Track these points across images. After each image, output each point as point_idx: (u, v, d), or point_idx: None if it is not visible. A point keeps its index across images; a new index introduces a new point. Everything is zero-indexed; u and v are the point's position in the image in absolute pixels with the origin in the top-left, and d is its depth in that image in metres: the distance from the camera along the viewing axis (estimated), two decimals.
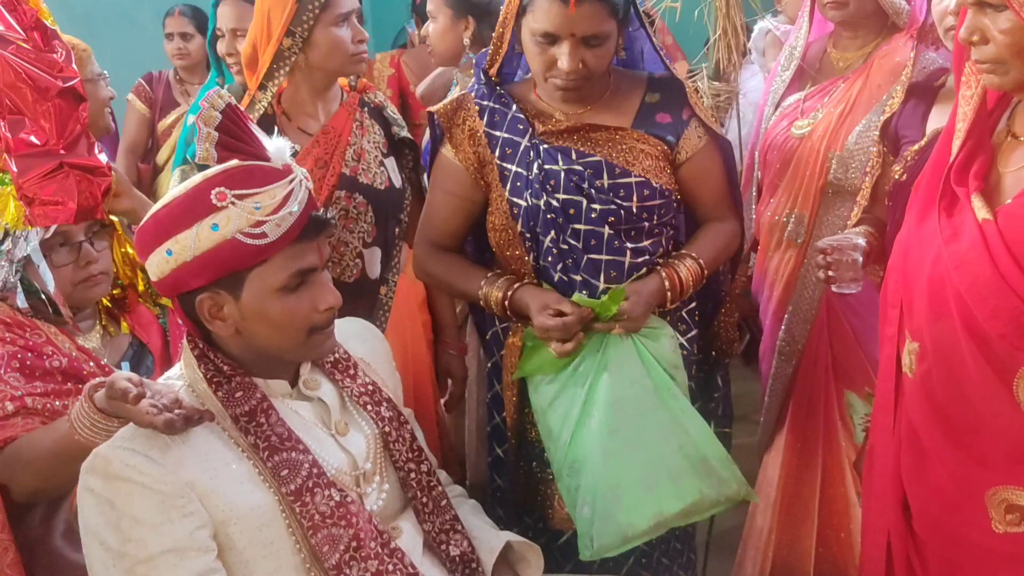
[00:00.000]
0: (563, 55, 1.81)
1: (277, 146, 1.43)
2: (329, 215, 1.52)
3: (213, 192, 1.36)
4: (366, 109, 2.30)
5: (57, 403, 1.71)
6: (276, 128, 2.17)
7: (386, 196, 2.26)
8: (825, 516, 2.36)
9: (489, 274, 2.01)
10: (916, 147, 1.90)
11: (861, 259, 1.85)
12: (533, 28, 1.83)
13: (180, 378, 1.50)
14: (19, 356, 1.73)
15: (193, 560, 1.35)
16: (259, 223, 1.37)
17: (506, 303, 1.94)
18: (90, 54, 2.39)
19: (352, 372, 1.61)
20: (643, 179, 1.91)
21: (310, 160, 2.14)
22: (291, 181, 1.41)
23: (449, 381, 2.50)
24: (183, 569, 1.34)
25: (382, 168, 2.26)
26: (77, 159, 1.77)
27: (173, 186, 2.64)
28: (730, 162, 2.05)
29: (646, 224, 1.94)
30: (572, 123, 1.93)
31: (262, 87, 2.16)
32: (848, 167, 2.20)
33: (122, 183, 1.95)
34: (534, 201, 1.92)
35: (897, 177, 1.91)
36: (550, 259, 1.94)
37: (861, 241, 1.89)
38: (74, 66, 1.83)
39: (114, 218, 1.95)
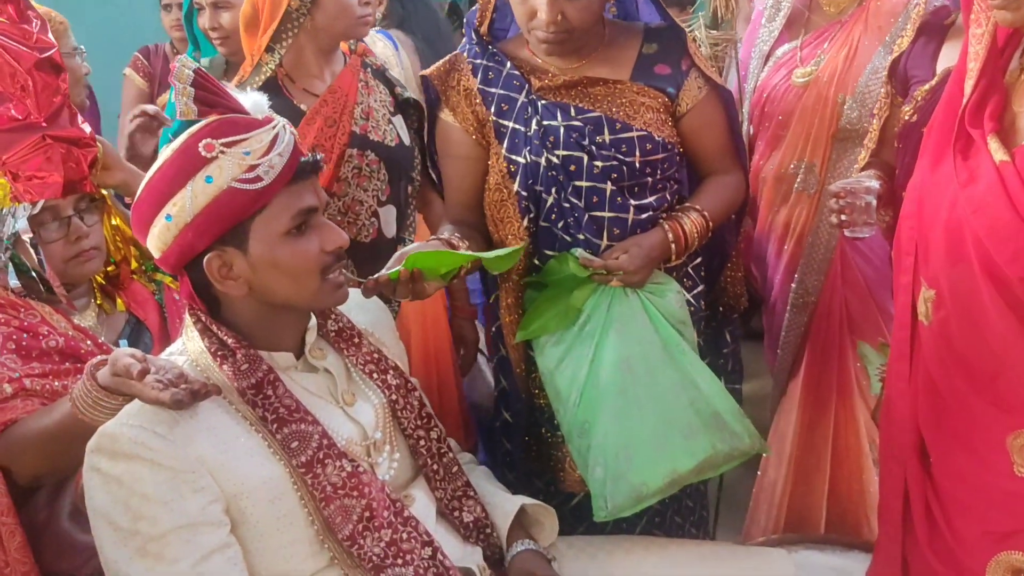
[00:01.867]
0: (541, 7, 1.76)
1: (254, 100, 1.42)
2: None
3: (201, 144, 1.34)
4: (369, 70, 2.27)
5: (56, 383, 1.67)
6: (281, 90, 2.15)
7: (398, 153, 2.23)
8: (837, 467, 2.36)
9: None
10: (927, 87, 1.86)
11: (875, 202, 1.82)
12: None
13: (182, 353, 1.47)
14: (15, 337, 1.68)
15: (207, 535, 1.33)
16: (252, 167, 1.35)
17: None
18: (67, 27, 2.33)
19: (356, 341, 1.59)
20: (645, 133, 1.87)
21: (320, 119, 2.10)
22: (274, 127, 1.39)
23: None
24: (196, 545, 1.32)
25: (391, 126, 2.23)
26: (60, 131, 1.72)
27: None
28: (732, 112, 2.01)
29: (649, 179, 1.90)
30: (569, 77, 1.89)
31: (269, 49, 2.13)
32: (862, 109, 2.17)
33: (111, 155, 1.89)
34: (533, 158, 1.88)
35: (907, 118, 1.87)
36: (552, 218, 1.90)
37: (874, 184, 1.86)
38: (50, 36, 1.77)
39: (104, 192, 1.90)
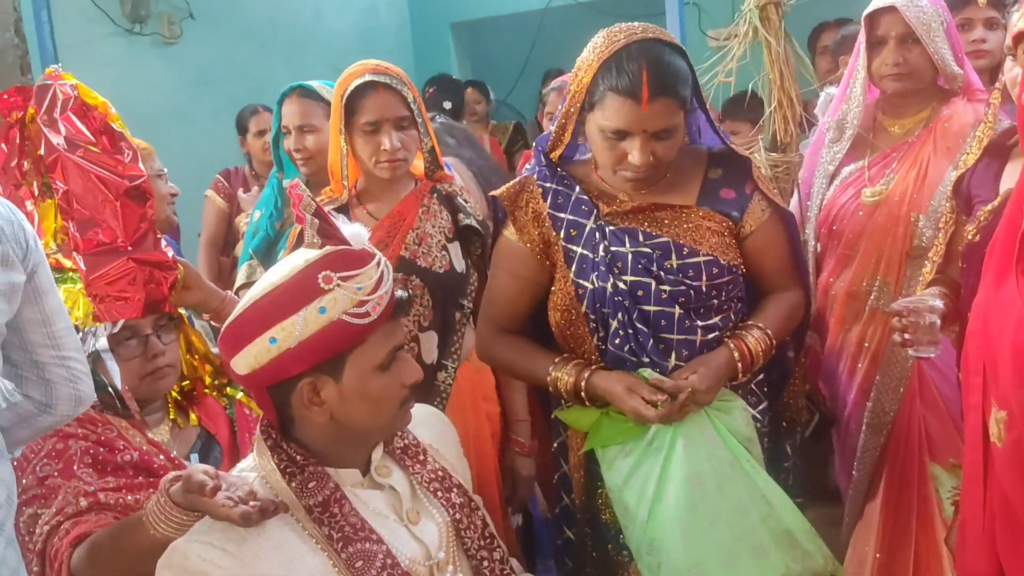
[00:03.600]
0: (634, 150, 1.78)
1: (353, 231, 1.45)
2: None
3: (320, 276, 1.37)
4: (435, 195, 2.33)
5: (129, 498, 1.70)
6: (348, 211, 2.25)
7: (445, 280, 2.25)
8: None
9: (557, 359, 1.94)
10: (989, 207, 1.85)
11: (939, 321, 1.79)
12: (603, 125, 1.80)
13: (253, 469, 1.48)
14: (91, 451, 1.74)
15: None
16: (362, 303, 1.38)
17: (580, 389, 1.88)
18: (151, 152, 2.46)
19: (422, 458, 1.59)
20: (711, 257, 1.89)
21: (372, 242, 2.15)
22: (379, 264, 1.44)
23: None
24: None
25: (444, 252, 2.26)
26: (144, 254, 1.80)
27: (239, 282, 2.71)
28: (794, 233, 2.03)
29: (715, 301, 1.91)
30: (637, 204, 1.91)
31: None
32: (936, 228, 2.17)
33: (191, 275, 1.97)
34: (600, 283, 1.89)
35: (970, 238, 1.86)
36: (616, 341, 1.90)
37: (938, 303, 1.83)
38: (141, 166, 1.87)
39: (182, 311, 1.97)
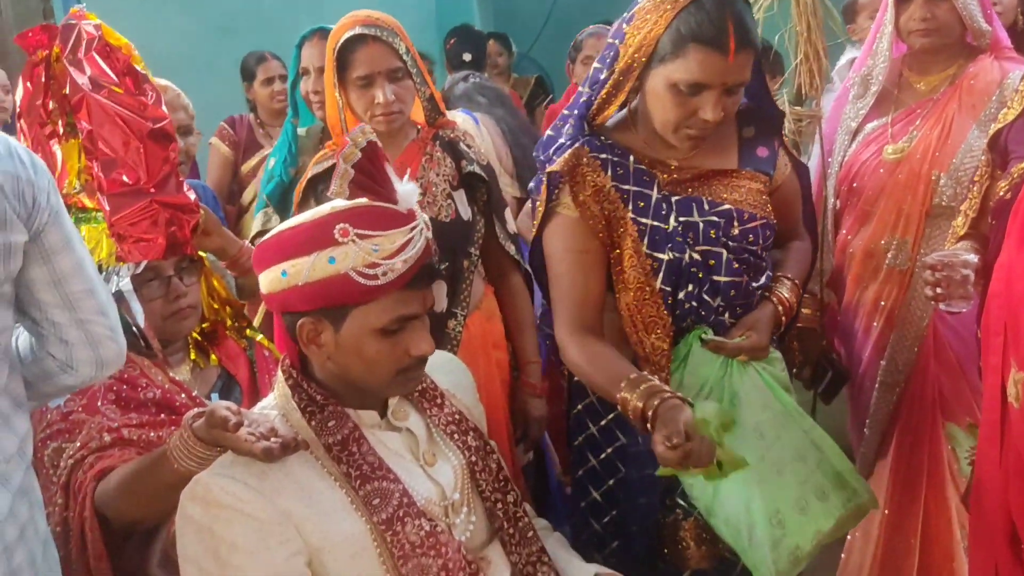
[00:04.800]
0: (708, 104, 1.70)
1: (406, 190, 1.44)
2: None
3: (337, 227, 1.38)
4: (438, 143, 2.30)
5: (152, 434, 1.73)
6: None
7: (451, 228, 2.23)
8: (927, 553, 2.28)
9: (631, 376, 1.70)
10: (1022, 165, 1.84)
11: (972, 275, 1.79)
12: (677, 78, 1.70)
13: (274, 408, 1.51)
14: (115, 388, 1.76)
15: None
16: (374, 264, 1.38)
17: (647, 417, 1.64)
18: (183, 101, 2.48)
19: (439, 402, 1.61)
20: (765, 220, 1.87)
21: None
22: (412, 228, 1.42)
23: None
24: None
25: (449, 201, 2.25)
26: (166, 196, 1.81)
27: (255, 229, 2.73)
28: (808, 185, 2.03)
29: (763, 262, 1.91)
30: (693, 170, 1.85)
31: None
32: (956, 187, 2.16)
33: (211, 221, 1.98)
34: (676, 255, 1.82)
35: (1002, 194, 1.84)
36: (677, 312, 1.86)
37: (972, 257, 1.82)
38: (163, 108, 1.88)
39: (203, 254, 1.99)
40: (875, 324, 2.34)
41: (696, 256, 1.83)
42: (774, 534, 1.73)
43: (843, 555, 2.44)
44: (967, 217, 2.02)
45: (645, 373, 1.72)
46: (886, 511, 2.33)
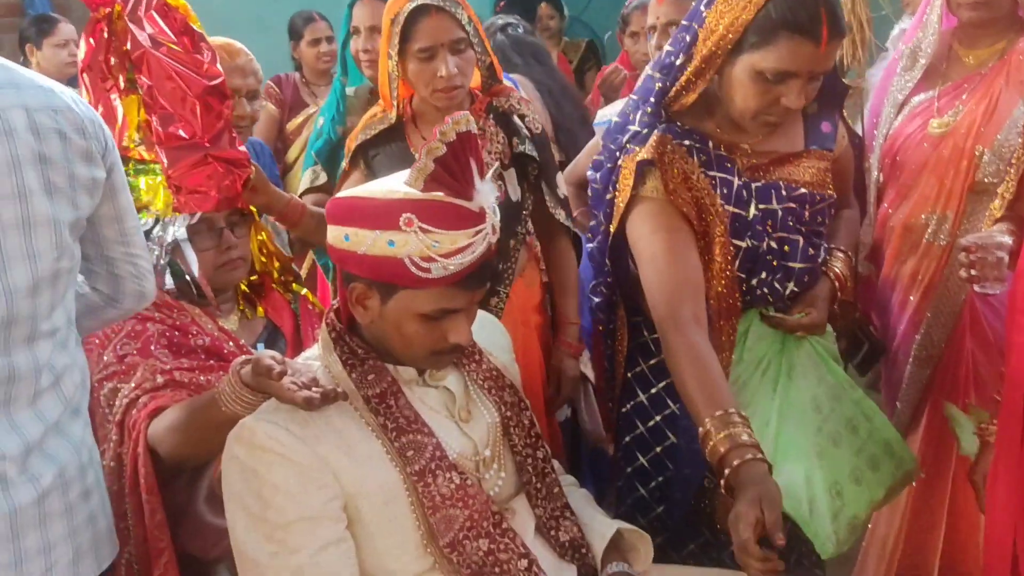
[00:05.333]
0: (793, 93, 1.67)
1: (484, 189, 1.46)
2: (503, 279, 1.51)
3: (404, 215, 1.41)
4: (492, 116, 2.26)
5: (202, 378, 1.82)
6: (404, 133, 2.24)
7: (500, 210, 2.20)
8: (953, 528, 2.28)
9: (721, 412, 1.57)
10: None
11: (1006, 258, 1.79)
12: (764, 67, 1.67)
13: (316, 359, 1.58)
14: (167, 334, 1.85)
15: (326, 528, 1.43)
16: (430, 259, 1.41)
17: (723, 471, 1.53)
18: (253, 65, 2.51)
19: (477, 358, 1.67)
20: (832, 199, 1.89)
21: None
22: (477, 232, 1.44)
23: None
24: (316, 536, 1.42)
25: (499, 182, 2.21)
26: (221, 152, 1.88)
27: (303, 186, 2.78)
28: (860, 155, 2.05)
29: (824, 240, 1.94)
30: (769, 155, 1.84)
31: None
32: (1000, 163, 2.14)
33: (260, 179, 2.04)
34: (754, 242, 1.82)
35: None
36: (748, 298, 1.86)
37: (1007, 239, 1.82)
38: (218, 67, 1.94)
39: (253, 208, 2.06)
40: (911, 298, 2.34)
41: (773, 244, 1.83)
42: (834, 505, 1.76)
43: (869, 526, 2.46)
44: (1004, 199, 2.01)
45: (735, 410, 1.57)
46: (914, 484, 2.34)
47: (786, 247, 1.83)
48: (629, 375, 2.07)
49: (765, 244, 1.82)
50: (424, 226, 1.41)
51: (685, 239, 1.77)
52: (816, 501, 1.76)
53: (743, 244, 1.81)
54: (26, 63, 3.88)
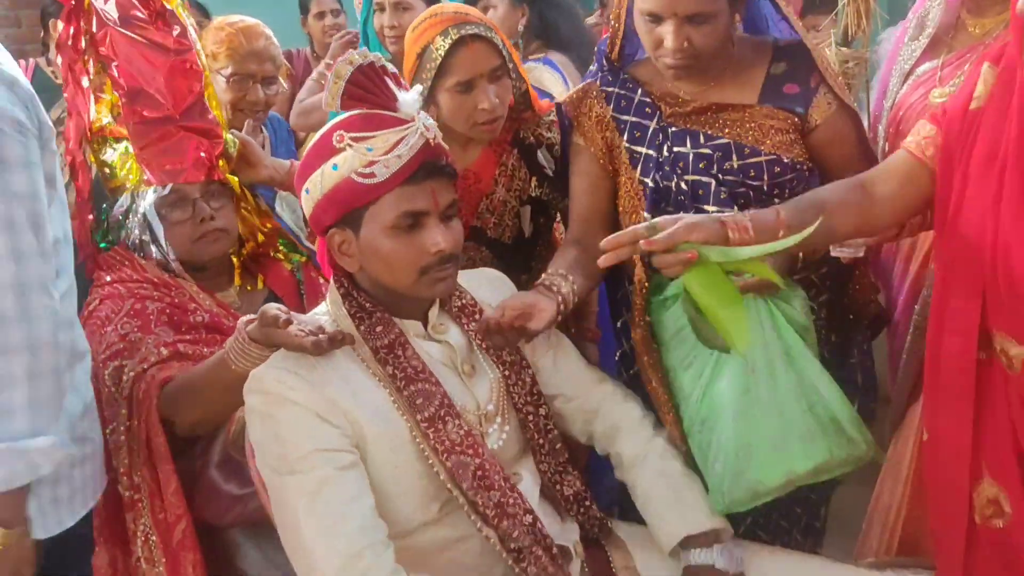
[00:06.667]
0: (667, 34, 1.79)
1: (405, 99, 1.52)
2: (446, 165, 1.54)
3: (334, 135, 1.49)
4: (517, 149, 2.16)
5: (205, 349, 1.84)
6: None
7: (512, 249, 2.19)
8: None
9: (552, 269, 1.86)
10: None
11: None
12: (640, 7, 1.82)
13: (325, 315, 1.63)
14: (167, 312, 1.88)
15: (341, 456, 1.48)
16: (370, 163, 1.48)
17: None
18: (270, 43, 2.49)
19: (478, 317, 1.69)
20: (774, 156, 1.89)
21: None
22: (404, 129, 1.49)
23: None
24: (333, 462, 1.47)
25: (515, 220, 2.19)
26: (191, 123, 1.92)
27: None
28: (861, 130, 2.01)
29: (777, 199, 1.91)
30: (698, 104, 1.91)
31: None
32: None
33: (254, 153, 2.07)
34: (664, 183, 1.92)
35: None
36: None
37: None
38: (190, 40, 1.96)
39: (232, 178, 2.05)
40: (911, 268, 2.33)
41: (684, 185, 1.90)
42: (737, 465, 1.79)
43: (873, 496, 2.47)
44: None
45: (564, 271, 1.83)
46: (915, 454, 2.34)
47: (700, 191, 1.89)
48: (618, 325, 2.18)
49: (675, 184, 1.90)
50: (354, 135, 1.48)
51: (589, 182, 2.01)
52: (720, 457, 1.81)
53: (651, 183, 1.93)
54: (47, 37, 3.91)
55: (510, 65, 2.05)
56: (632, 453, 1.76)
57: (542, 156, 2.17)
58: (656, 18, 1.80)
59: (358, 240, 1.54)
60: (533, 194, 2.19)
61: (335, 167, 1.50)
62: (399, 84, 1.55)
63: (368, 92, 1.51)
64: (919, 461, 2.33)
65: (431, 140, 1.52)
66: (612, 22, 1.98)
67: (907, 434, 2.38)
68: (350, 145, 1.48)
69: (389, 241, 1.52)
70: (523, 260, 2.23)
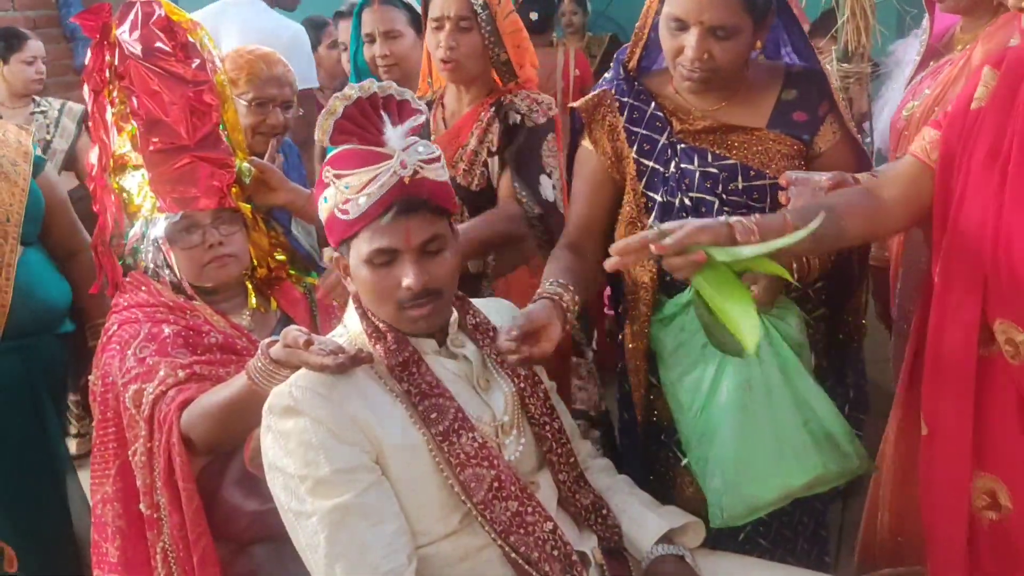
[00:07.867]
0: (690, 44, 1.80)
1: (391, 135, 1.55)
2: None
3: (325, 170, 1.56)
4: (493, 108, 2.32)
5: (221, 370, 1.88)
6: (431, 116, 2.33)
7: (481, 197, 2.29)
8: None
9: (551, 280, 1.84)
10: None
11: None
12: (667, 12, 1.83)
13: (342, 336, 1.67)
14: (182, 335, 1.91)
15: (363, 474, 1.51)
16: (347, 200, 1.54)
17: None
18: (286, 73, 2.54)
19: (492, 335, 1.73)
20: (776, 181, 1.90)
21: None
22: (377, 168, 1.53)
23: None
24: (357, 481, 1.50)
25: (483, 169, 2.29)
26: (204, 152, 1.97)
27: None
28: (862, 160, 2.00)
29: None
30: (709, 123, 1.94)
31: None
32: None
33: (275, 178, 2.12)
34: (668, 198, 1.94)
35: None
36: None
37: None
38: (208, 72, 2.02)
39: (244, 205, 2.10)
40: (899, 275, 2.34)
41: (688, 201, 1.92)
42: (734, 480, 1.83)
43: (870, 488, 2.47)
44: None
45: (565, 281, 1.81)
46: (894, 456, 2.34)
47: (702, 208, 1.92)
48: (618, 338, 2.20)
49: (679, 200, 1.93)
50: (336, 172, 1.54)
51: (592, 187, 2.04)
52: (718, 472, 1.85)
53: (657, 197, 1.96)
54: None
55: (485, 26, 2.25)
56: (602, 485, 1.81)
57: (515, 116, 2.30)
58: (682, 25, 1.81)
59: (349, 266, 1.62)
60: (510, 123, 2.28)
61: (325, 199, 1.58)
62: (403, 113, 1.58)
63: (357, 127, 1.55)
64: (897, 460, 2.34)
65: (405, 179, 1.53)
66: (636, 30, 2.00)
67: (890, 436, 2.38)
68: (332, 181, 1.55)
69: (366, 272, 1.58)
70: (494, 207, 2.30)
